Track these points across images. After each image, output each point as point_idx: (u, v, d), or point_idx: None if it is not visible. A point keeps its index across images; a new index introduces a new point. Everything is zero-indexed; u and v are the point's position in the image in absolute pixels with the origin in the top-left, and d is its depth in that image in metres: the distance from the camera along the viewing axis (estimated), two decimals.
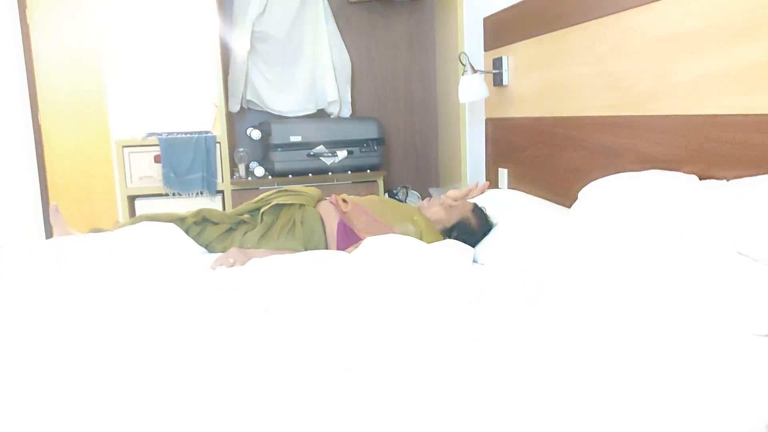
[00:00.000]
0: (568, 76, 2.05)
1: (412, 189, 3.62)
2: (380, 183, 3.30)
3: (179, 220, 1.95)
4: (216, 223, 1.97)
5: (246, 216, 2.00)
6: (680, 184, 1.39)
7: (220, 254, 1.82)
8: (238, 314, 1.27)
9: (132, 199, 3.07)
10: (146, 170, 3.01)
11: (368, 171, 3.27)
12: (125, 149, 2.98)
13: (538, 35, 2.23)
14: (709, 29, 1.40)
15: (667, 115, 1.57)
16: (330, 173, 3.20)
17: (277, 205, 1.99)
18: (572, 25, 1.99)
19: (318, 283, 1.46)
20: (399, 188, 3.56)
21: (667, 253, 1.25)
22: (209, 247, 1.94)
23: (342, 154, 3.17)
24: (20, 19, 3.19)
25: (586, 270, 1.41)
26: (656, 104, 1.61)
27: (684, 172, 1.47)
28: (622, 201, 1.50)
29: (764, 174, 1.24)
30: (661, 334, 1.09)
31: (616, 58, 1.77)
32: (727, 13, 1.35)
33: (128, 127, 3.20)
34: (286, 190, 2.07)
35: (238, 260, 1.72)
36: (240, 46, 3.21)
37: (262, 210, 1.98)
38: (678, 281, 1.19)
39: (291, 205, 1.99)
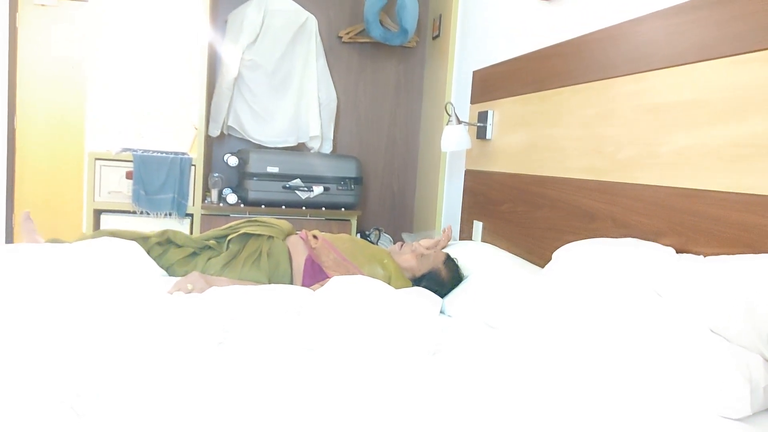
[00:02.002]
0: (551, 136, 2.06)
1: (384, 232, 3.58)
2: (354, 222, 3.26)
3: (142, 239, 1.87)
4: (180, 246, 1.90)
5: (212, 242, 1.93)
6: (657, 255, 1.38)
7: (180, 278, 1.74)
8: (192, 341, 1.19)
9: (98, 213, 2.97)
10: (116, 185, 2.92)
11: (343, 209, 3.23)
12: (97, 162, 2.90)
13: (526, 93, 2.25)
14: (696, 104, 1.42)
15: (648, 185, 1.57)
16: (304, 208, 3.15)
17: (244, 234, 1.92)
18: (561, 86, 2.01)
19: (277, 317, 1.40)
20: (372, 230, 3.52)
21: (638, 325, 1.22)
22: (170, 270, 1.86)
23: (318, 189, 3.13)
24: (9, 24, 3.14)
25: (555, 333, 1.38)
26: (638, 173, 1.61)
27: (662, 243, 1.46)
28: (597, 267, 1.48)
29: (742, 253, 1.23)
30: (625, 409, 1.05)
31: (601, 123, 1.78)
32: (714, 91, 1.36)
33: (104, 141, 3.13)
34: (255, 220, 2.02)
35: (197, 286, 1.65)
36: (227, 72, 3.18)
37: (228, 237, 1.92)
38: (647, 354, 1.16)
39: (259, 235, 1.93)
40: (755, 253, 1.19)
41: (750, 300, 1.07)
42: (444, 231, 2.45)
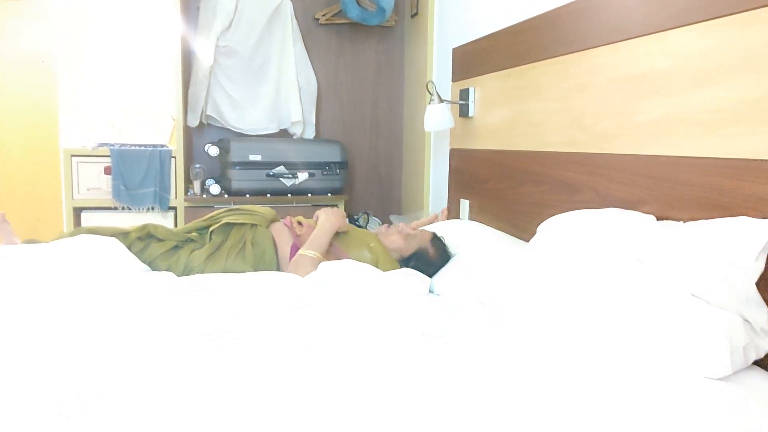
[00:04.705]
0: (532, 110, 2.05)
1: (373, 215, 3.57)
2: (341, 207, 3.24)
3: (122, 235, 1.85)
4: (161, 240, 1.88)
5: (194, 234, 1.91)
6: (637, 222, 1.38)
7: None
8: (191, 341, 1.18)
9: (78, 211, 2.94)
10: (95, 182, 2.88)
11: (329, 194, 3.21)
12: (73, 158, 2.86)
13: (505, 69, 2.23)
14: (670, 72, 1.41)
15: (627, 155, 1.56)
16: (289, 195, 3.13)
17: (227, 224, 1.91)
18: (538, 60, 1.99)
19: (272, 312, 1.39)
20: (360, 214, 3.51)
21: (621, 292, 1.23)
22: (152, 265, 1.84)
23: (303, 176, 3.11)
24: None
25: (542, 304, 1.38)
26: (617, 143, 1.61)
27: (642, 211, 1.46)
28: (580, 237, 1.48)
29: (720, 217, 1.23)
30: (611, 374, 1.06)
31: (580, 95, 1.77)
32: (688, 58, 1.35)
33: (80, 136, 3.09)
34: (238, 209, 2.00)
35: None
36: (203, 60, 3.14)
37: (211, 228, 1.90)
38: (632, 321, 1.17)
39: (242, 224, 1.91)
40: (732, 216, 1.20)
41: (728, 262, 1.08)
42: (442, 211, 2.65)
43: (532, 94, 2.04)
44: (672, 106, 1.40)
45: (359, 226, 2.98)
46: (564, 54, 1.84)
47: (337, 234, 1.97)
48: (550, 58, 1.92)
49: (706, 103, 1.31)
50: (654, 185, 1.46)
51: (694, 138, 1.34)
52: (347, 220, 3.37)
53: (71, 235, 1.82)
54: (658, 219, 1.39)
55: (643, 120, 1.51)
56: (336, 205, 3.23)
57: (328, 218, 1.93)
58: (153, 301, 1.40)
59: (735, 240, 1.09)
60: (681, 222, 1.32)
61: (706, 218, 1.26)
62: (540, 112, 1.99)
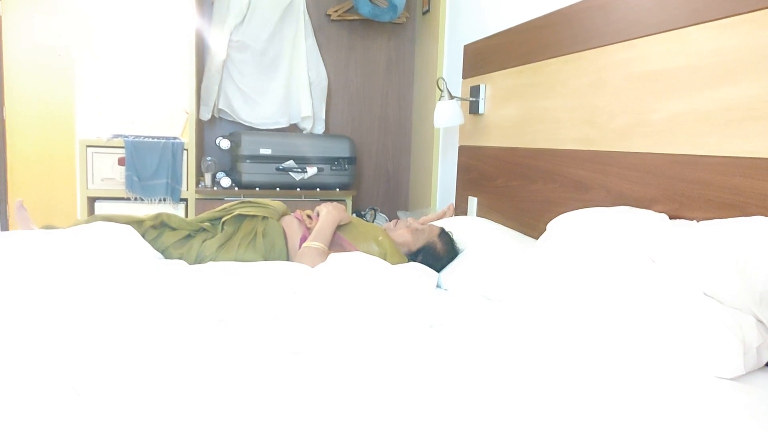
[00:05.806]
0: (544, 107, 2.05)
1: (380, 211, 3.58)
2: (349, 202, 3.25)
3: (136, 223, 1.87)
4: (174, 229, 1.90)
5: (206, 224, 1.93)
6: (650, 221, 1.38)
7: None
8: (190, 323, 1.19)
9: (92, 200, 2.97)
10: (109, 172, 2.91)
11: (337, 189, 3.23)
12: (89, 149, 2.89)
13: (517, 66, 2.24)
14: (687, 70, 1.41)
15: (641, 153, 1.56)
16: (298, 189, 3.15)
17: (239, 215, 1.92)
18: (552, 57, 1.99)
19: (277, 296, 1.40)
20: (367, 209, 3.52)
21: (633, 291, 1.23)
22: (165, 253, 1.86)
23: (312, 170, 3.12)
24: None
25: (551, 302, 1.39)
26: (630, 141, 1.61)
27: (655, 210, 1.47)
28: (591, 235, 1.49)
29: (734, 216, 1.23)
30: (620, 372, 1.06)
31: (594, 93, 1.77)
32: (705, 56, 1.36)
33: (95, 128, 3.11)
34: (249, 202, 2.02)
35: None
36: (216, 54, 3.15)
37: (223, 219, 1.91)
38: (644, 320, 1.17)
39: (253, 216, 1.93)
40: (747, 216, 1.20)
41: (741, 262, 1.08)
42: (444, 212, 2.65)
43: (546, 91, 2.04)
44: (688, 104, 1.41)
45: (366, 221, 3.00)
46: (579, 51, 1.84)
47: (341, 227, 1.99)
48: (565, 54, 1.92)
49: (723, 101, 1.31)
50: (667, 184, 1.46)
51: (710, 137, 1.34)
52: (353, 213, 3.39)
53: (87, 222, 1.84)
54: (671, 218, 1.39)
55: (657, 118, 1.51)
56: (343, 200, 3.24)
57: (330, 212, 1.97)
58: (154, 297, 1.39)
59: (750, 240, 1.09)
60: (694, 221, 1.32)
61: (721, 218, 1.26)
62: (553, 109, 2.00)
